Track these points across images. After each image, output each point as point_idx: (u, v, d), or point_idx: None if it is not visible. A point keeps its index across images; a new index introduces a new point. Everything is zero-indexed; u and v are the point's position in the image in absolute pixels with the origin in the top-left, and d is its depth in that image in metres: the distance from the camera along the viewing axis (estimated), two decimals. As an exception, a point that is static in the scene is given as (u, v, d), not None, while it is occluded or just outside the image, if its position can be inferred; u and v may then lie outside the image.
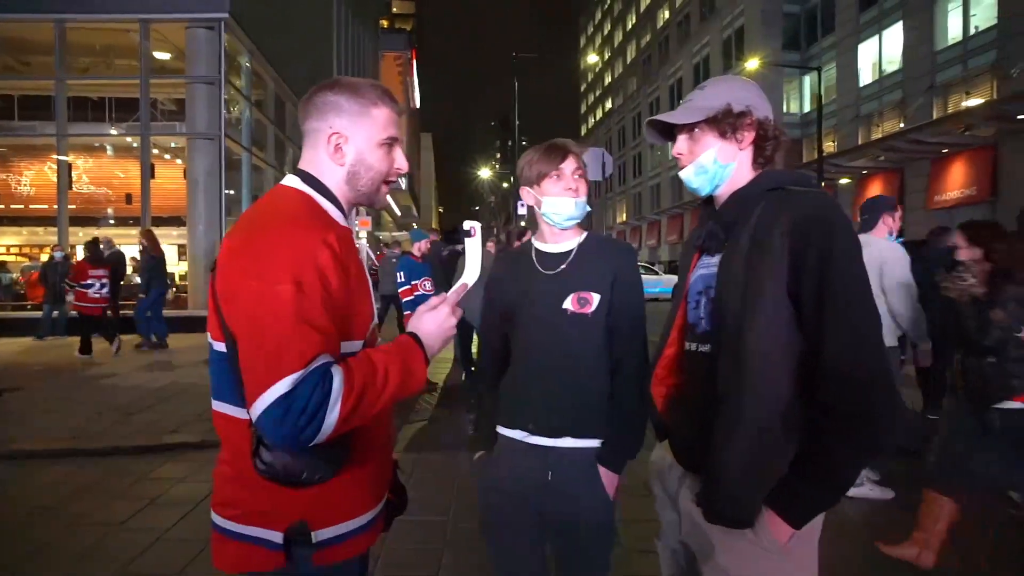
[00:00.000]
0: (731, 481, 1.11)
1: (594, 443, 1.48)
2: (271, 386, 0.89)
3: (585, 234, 1.58)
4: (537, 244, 1.59)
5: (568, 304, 1.47)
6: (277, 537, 1.02)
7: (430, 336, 1.08)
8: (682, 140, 1.26)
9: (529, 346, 1.52)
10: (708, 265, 1.23)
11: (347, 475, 1.03)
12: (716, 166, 1.22)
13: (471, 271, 1.23)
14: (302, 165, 1.14)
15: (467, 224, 1.25)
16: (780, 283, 1.08)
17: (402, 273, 5.80)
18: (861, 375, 1.04)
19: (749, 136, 1.21)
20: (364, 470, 1.08)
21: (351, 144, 1.11)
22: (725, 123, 1.20)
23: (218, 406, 1.07)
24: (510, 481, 1.51)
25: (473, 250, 1.24)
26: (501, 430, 1.56)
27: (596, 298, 1.47)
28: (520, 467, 1.50)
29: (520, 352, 1.54)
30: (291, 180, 1.12)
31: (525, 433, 1.49)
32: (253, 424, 0.93)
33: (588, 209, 1.55)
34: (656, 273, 21.57)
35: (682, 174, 1.27)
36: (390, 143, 1.14)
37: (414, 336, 1.07)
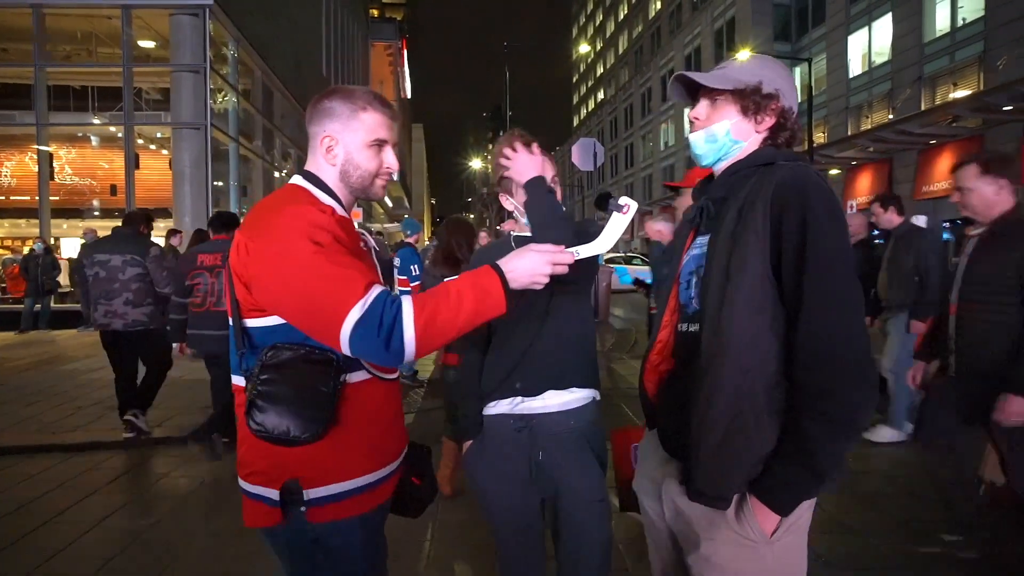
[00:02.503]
0: (709, 456, 1.09)
1: (576, 394, 1.55)
2: (343, 322, 1.00)
3: None
4: (516, 233, 1.66)
5: None
6: (274, 494, 1.12)
7: (516, 270, 1.12)
8: (703, 104, 1.23)
9: (514, 318, 1.54)
10: (701, 245, 1.21)
11: (337, 439, 1.11)
12: (727, 139, 1.20)
13: (598, 244, 1.24)
14: (306, 166, 1.26)
15: (624, 199, 1.26)
16: (763, 255, 1.07)
17: (415, 266, 5.41)
18: (831, 348, 1.02)
19: (769, 120, 1.19)
20: (358, 436, 1.15)
21: (341, 146, 1.22)
22: (750, 99, 1.17)
23: (236, 380, 1.19)
24: (501, 462, 1.56)
25: (616, 226, 1.26)
26: (488, 410, 1.59)
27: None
28: (509, 447, 1.55)
29: (504, 326, 1.58)
30: (295, 179, 1.25)
31: (512, 402, 1.54)
32: (348, 358, 1.07)
33: (564, 210, 1.59)
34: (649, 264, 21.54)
35: (690, 136, 1.25)
36: (379, 144, 1.24)
37: (494, 265, 1.13)
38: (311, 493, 1.12)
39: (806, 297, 1.03)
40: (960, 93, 18.21)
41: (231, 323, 1.17)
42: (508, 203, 1.60)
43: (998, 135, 17.02)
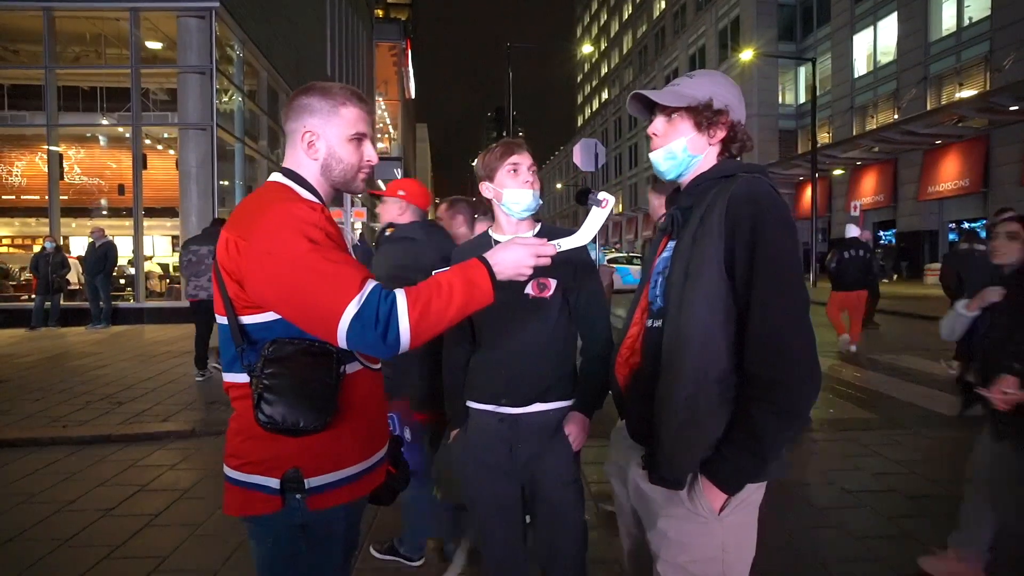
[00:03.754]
0: (668, 443, 1.18)
1: (561, 404, 1.63)
2: (340, 317, 1.03)
3: (539, 225, 1.69)
4: (495, 235, 1.69)
5: (529, 289, 1.60)
6: (274, 483, 1.15)
7: (502, 262, 1.17)
8: (660, 120, 1.33)
9: (494, 329, 1.63)
10: (669, 249, 1.31)
11: (336, 429, 1.15)
12: (685, 155, 1.30)
13: (579, 237, 1.30)
14: (285, 163, 1.28)
15: (603, 195, 1.32)
16: (718, 258, 1.15)
17: None
18: (780, 344, 1.10)
19: (720, 134, 1.29)
20: (352, 426, 1.20)
21: (322, 140, 1.24)
22: (703, 116, 1.27)
23: (226, 376, 1.21)
24: (484, 452, 1.63)
25: (595, 220, 1.32)
26: (472, 404, 1.66)
27: (554, 283, 1.61)
28: (492, 438, 1.62)
29: (485, 335, 1.66)
30: (275, 176, 1.27)
31: (497, 406, 1.61)
32: (344, 350, 1.10)
33: (540, 203, 1.66)
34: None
35: (652, 155, 1.35)
36: (359, 138, 1.26)
37: (481, 257, 1.17)
38: (312, 482, 1.15)
39: (757, 296, 1.12)
40: (966, 93, 18.13)
41: (224, 320, 1.18)
42: (488, 191, 1.64)
43: (1004, 135, 16.94)
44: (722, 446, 1.16)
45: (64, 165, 11.91)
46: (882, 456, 3.89)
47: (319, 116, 1.23)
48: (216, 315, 1.22)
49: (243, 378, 1.16)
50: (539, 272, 1.52)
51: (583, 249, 1.61)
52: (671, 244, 1.31)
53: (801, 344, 1.11)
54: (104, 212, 13.03)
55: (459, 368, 1.70)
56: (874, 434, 4.35)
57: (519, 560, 1.68)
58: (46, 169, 11.39)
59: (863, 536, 2.80)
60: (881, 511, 3.07)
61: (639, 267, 18.23)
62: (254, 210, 1.15)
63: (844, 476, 3.52)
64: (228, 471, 1.21)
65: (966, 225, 19.74)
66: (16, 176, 13.41)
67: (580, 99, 67.83)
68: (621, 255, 21.08)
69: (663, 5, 41.15)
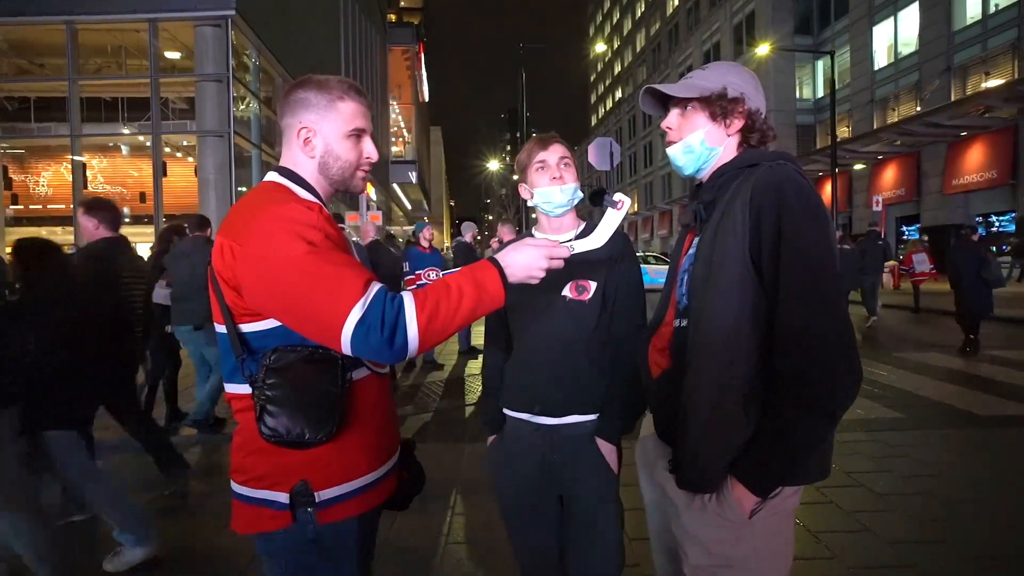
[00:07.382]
0: (693, 444, 1.13)
1: (596, 415, 1.54)
2: (344, 322, 0.98)
3: (583, 224, 1.62)
4: (537, 234, 1.63)
5: (567, 292, 1.53)
6: (283, 498, 1.10)
7: (514, 264, 1.12)
8: (674, 114, 1.29)
9: (530, 332, 1.57)
10: (695, 245, 1.26)
11: (344, 439, 1.11)
12: (703, 147, 1.25)
13: (594, 239, 1.26)
14: (281, 161, 1.22)
15: (618, 195, 1.28)
16: (742, 251, 1.10)
17: (407, 263, 6.33)
18: (807, 337, 1.04)
19: (738, 123, 1.24)
20: (361, 435, 1.15)
21: (319, 137, 1.18)
22: (717, 105, 1.22)
23: (228, 388, 1.17)
24: (520, 461, 1.57)
25: (611, 222, 1.27)
26: (508, 412, 1.61)
27: (593, 285, 1.53)
28: (528, 447, 1.56)
29: (521, 338, 1.60)
30: (271, 176, 1.21)
31: (531, 415, 1.55)
32: (348, 356, 1.04)
33: (580, 196, 1.59)
34: (668, 263, 21.32)
35: (669, 151, 1.30)
36: (358, 134, 1.21)
37: (492, 259, 1.12)
38: (322, 495, 1.11)
39: (783, 289, 1.06)
40: (993, 82, 17.63)
41: (223, 329, 1.13)
42: (524, 192, 1.60)
43: (1032, 125, 16.43)
44: (751, 446, 1.10)
45: (88, 174, 12.20)
46: (912, 457, 3.77)
47: (315, 111, 1.17)
48: (215, 323, 1.17)
49: (244, 389, 1.11)
50: (579, 273, 1.50)
51: (626, 245, 1.58)
52: (696, 240, 1.26)
53: (831, 336, 1.04)
54: (126, 220, 13.31)
55: (498, 371, 1.64)
56: (903, 434, 4.22)
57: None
58: (70, 178, 11.67)
59: (895, 541, 2.70)
60: (913, 515, 2.97)
61: (655, 266, 18.22)
62: (248, 213, 1.09)
63: (873, 478, 3.41)
64: (235, 487, 1.16)
65: (993, 218, 19.24)
66: (43, 186, 13.79)
67: (594, 98, 67.59)
68: (638, 254, 20.95)
69: (676, 1, 40.80)
